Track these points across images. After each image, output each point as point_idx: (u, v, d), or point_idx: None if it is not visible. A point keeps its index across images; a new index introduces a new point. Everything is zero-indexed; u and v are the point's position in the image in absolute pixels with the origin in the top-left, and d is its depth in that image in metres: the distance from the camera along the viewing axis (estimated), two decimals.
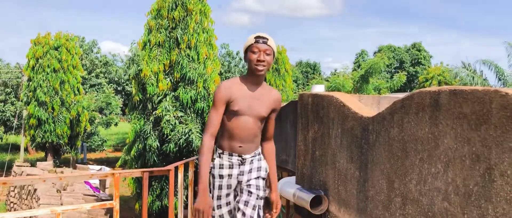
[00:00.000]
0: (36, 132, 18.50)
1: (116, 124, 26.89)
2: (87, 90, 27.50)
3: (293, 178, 4.58)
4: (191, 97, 10.31)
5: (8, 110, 25.18)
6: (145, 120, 10.62)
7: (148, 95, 10.44)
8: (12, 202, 15.86)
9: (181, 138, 9.87)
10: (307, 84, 32.82)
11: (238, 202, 2.51)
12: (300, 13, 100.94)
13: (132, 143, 10.92)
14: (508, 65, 14.19)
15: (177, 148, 10.06)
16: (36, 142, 18.85)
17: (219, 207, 2.52)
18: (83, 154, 24.55)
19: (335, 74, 27.27)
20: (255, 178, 2.56)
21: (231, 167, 2.51)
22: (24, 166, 17.39)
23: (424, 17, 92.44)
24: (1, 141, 26.96)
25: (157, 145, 10.25)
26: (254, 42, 2.43)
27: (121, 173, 3.61)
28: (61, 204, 11.73)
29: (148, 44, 10.71)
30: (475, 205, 2.29)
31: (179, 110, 10.27)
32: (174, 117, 10.10)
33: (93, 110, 23.17)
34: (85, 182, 13.72)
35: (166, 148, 10.04)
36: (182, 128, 9.91)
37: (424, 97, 2.68)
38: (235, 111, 2.44)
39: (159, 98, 10.41)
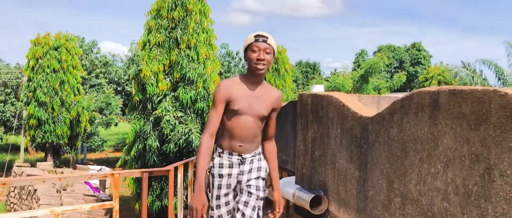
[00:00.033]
0: (36, 132, 18.51)
1: (116, 124, 26.89)
2: (87, 90, 27.50)
3: (292, 178, 4.58)
4: (191, 97, 10.32)
5: (8, 110, 25.19)
6: (145, 120, 10.62)
7: (148, 95, 10.44)
8: (12, 202, 15.87)
9: (181, 138, 9.88)
10: (307, 84, 32.83)
11: (237, 202, 2.50)
12: (300, 13, 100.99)
13: (132, 143, 10.92)
14: (508, 65, 14.21)
15: (177, 148, 10.06)
16: (36, 142, 18.86)
17: (218, 207, 2.51)
18: (83, 154, 24.55)
19: (335, 74, 27.28)
20: (255, 178, 2.55)
21: (231, 166, 2.50)
22: (24, 167, 17.39)
23: (424, 17, 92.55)
24: (1, 141, 26.96)
25: (157, 145, 10.25)
26: (254, 41, 2.41)
27: (121, 174, 3.61)
28: (61, 205, 11.73)
29: (147, 44, 10.71)
30: (474, 205, 2.29)
31: (179, 110, 10.28)
32: (174, 117, 10.10)
33: (93, 110, 23.18)
34: (85, 182, 13.72)
35: (166, 148, 10.05)
36: (182, 128, 9.92)
37: (423, 97, 2.68)
38: (235, 110, 2.43)
39: (159, 98, 10.41)
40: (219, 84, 2.47)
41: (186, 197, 6.63)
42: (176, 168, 4.07)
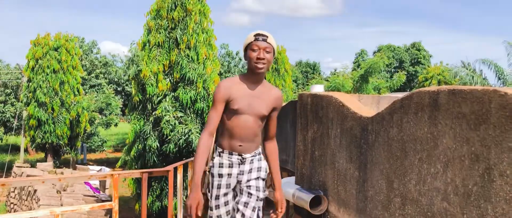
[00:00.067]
0: (36, 132, 18.51)
1: (116, 125, 26.90)
2: (87, 91, 27.49)
3: (292, 178, 4.58)
4: (190, 97, 10.32)
5: (8, 110, 25.19)
6: (145, 120, 10.62)
7: (147, 95, 10.45)
8: (12, 203, 15.87)
9: (181, 138, 9.88)
10: (307, 84, 32.81)
11: (237, 203, 2.49)
12: (300, 13, 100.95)
13: (132, 144, 10.93)
14: (507, 65, 14.20)
15: (176, 148, 10.06)
16: (36, 143, 18.86)
17: (217, 207, 2.50)
18: (83, 154, 24.55)
19: (334, 74, 27.28)
20: (255, 179, 2.54)
21: (231, 166, 2.49)
22: (24, 167, 17.40)
23: (424, 17, 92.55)
24: (1, 141, 26.96)
25: (157, 145, 10.25)
26: (254, 40, 2.40)
27: (120, 174, 3.61)
28: (61, 205, 11.73)
29: (147, 44, 10.72)
30: (474, 205, 2.29)
31: (178, 110, 10.28)
32: (174, 117, 10.11)
33: (93, 111, 23.18)
34: (85, 182, 13.73)
35: (166, 148, 10.05)
36: (182, 128, 9.92)
37: (423, 97, 2.67)
38: (235, 109, 2.42)
39: (159, 98, 10.41)
40: (219, 84, 2.46)
41: (186, 197, 6.63)
42: (175, 169, 4.06)
